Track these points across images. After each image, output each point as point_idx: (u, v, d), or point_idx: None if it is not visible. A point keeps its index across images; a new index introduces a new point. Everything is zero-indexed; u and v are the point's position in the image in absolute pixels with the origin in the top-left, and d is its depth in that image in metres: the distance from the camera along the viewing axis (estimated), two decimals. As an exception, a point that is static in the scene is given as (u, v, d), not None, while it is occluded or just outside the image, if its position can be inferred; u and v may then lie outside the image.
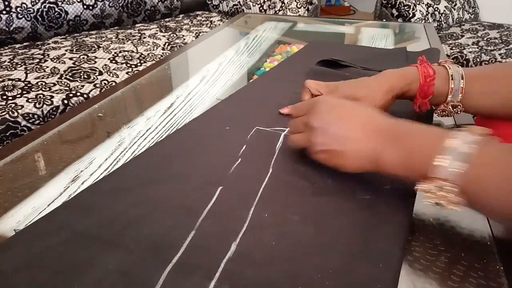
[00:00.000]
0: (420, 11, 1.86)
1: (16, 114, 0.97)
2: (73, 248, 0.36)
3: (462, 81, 0.52)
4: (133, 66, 1.28)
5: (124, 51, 1.35)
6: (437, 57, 0.84)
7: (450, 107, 0.54)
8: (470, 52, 1.65)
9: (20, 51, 1.30)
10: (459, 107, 0.54)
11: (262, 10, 1.92)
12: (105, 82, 1.16)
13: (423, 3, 1.90)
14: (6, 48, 1.35)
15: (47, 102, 1.03)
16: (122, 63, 1.28)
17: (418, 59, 0.56)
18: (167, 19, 1.84)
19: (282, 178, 0.46)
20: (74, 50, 1.32)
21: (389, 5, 1.90)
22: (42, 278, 0.33)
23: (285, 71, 0.80)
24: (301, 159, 0.50)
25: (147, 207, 0.41)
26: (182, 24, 1.73)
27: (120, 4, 1.65)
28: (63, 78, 1.14)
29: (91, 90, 1.11)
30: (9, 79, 1.09)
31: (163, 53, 1.39)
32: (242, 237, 0.37)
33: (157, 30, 1.60)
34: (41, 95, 1.04)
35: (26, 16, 1.39)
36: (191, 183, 0.45)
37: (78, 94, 1.08)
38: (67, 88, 1.09)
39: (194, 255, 0.35)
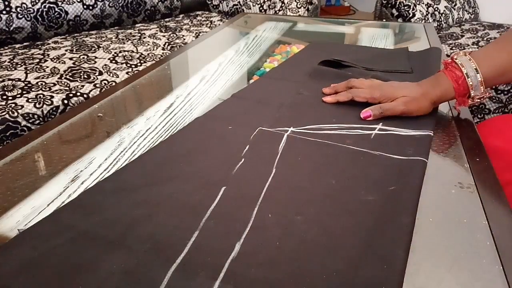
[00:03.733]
0: (420, 11, 1.86)
1: (16, 114, 0.97)
2: (77, 248, 0.35)
3: (479, 75, 0.56)
4: (133, 66, 1.27)
5: (124, 51, 1.35)
6: (438, 56, 0.84)
7: (478, 99, 0.59)
8: (470, 52, 1.65)
9: (20, 51, 1.30)
10: (486, 94, 0.58)
11: (262, 10, 1.92)
12: (105, 82, 1.16)
13: (423, 3, 1.89)
14: (6, 48, 1.35)
15: (47, 102, 1.03)
16: (122, 63, 1.28)
17: (442, 63, 0.61)
18: (167, 19, 1.83)
19: (286, 178, 0.46)
20: (74, 50, 1.31)
21: (389, 5, 1.90)
22: (46, 277, 0.33)
23: (287, 71, 0.80)
24: (304, 159, 0.49)
25: (150, 207, 0.41)
26: (182, 24, 1.73)
27: (120, 4, 1.64)
28: (63, 78, 1.13)
29: (91, 90, 1.11)
30: (9, 79, 1.09)
31: (163, 53, 1.39)
32: (246, 237, 0.37)
33: (157, 30, 1.60)
34: (41, 95, 1.04)
35: (26, 16, 1.39)
36: (195, 183, 0.45)
37: (78, 94, 1.08)
38: (67, 88, 1.09)
39: (198, 255, 0.35)
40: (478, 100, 0.58)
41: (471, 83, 0.57)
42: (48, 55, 1.26)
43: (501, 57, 0.57)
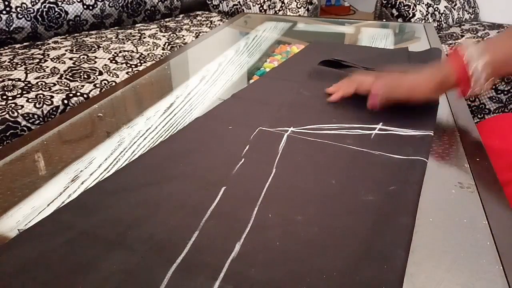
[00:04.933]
0: (420, 11, 1.86)
1: (16, 114, 0.97)
2: (77, 248, 0.36)
3: (481, 61, 0.54)
4: (133, 66, 1.27)
5: (124, 51, 1.35)
6: (438, 57, 0.84)
7: (479, 88, 0.56)
8: (470, 52, 1.65)
9: (20, 51, 1.30)
10: (489, 86, 0.57)
11: (262, 10, 1.92)
12: (105, 82, 1.16)
13: (423, 3, 1.89)
14: (6, 48, 1.35)
15: (47, 102, 1.03)
16: (122, 63, 1.27)
17: (449, 49, 0.61)
18: (167, 19, 1.83)
19: (286, 178, 0.46)
20: (74, 50, 1.31)
21: (389, 5, 1.90)
22: (46, 277, 0.33)
23: (287, 71, 0.80)
24: (304, 159, 0.49)
25: (150, 207, 0.41)
26: (182, 24, 1.73)
27: (120, 4, 1.64)
28: (63, 78, 1.13)
29: (91, 90, 1.11)
30: (9, 79, 1.09)
31: (163, 53, 1.39)
32: (246, 237, 0.37)
33: (157, 30, 1.60)
34: (41, 95, 1.04)
35: (26, 16, 1.39)
36: (195, 183, 0.45)
37: (78, 94, 1.08)
38: (67, 88, 1.09)
39: (198, 255, 0.35)
40: (480, 89, 0.56)
41: (472, 69, 0.54)
42: (48, 55, 1.26)
43: (508, 46, 0.55)
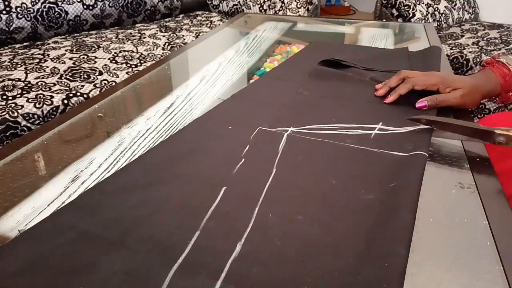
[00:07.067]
0: (420, 11, 1.86)
1: (16, 114, 0.97)
2: (78, 248, 0.36)
3: None
4: (133, 66, 1.27)
5: (124, 51, 1.35)
6: (438, 56, 0.84)
7: None
8: (470, 52, 1.65)
9: (20, 51, 1.30)
10: None
11: (262, 10, 1.92)
12: (105, 82, 1.16)
13: (423, 3, 1.89)
14: (6, 48, 1.35)
15: (47, 102, 1.03)
16: (122, 63, 1.27)
17: (484, 62, 0.67)
18: (167, 19, 1.83)
19: (286, 178, 0.46)
20: (74, 50, 1.31)
21: (389, 5, 1.90)
22: (47, 278, 0.33)
23: (287, 71, 0.80)
24: (304, 159, 0.49)
25: (151, 207, 0.41)
26: (182, 24, 1.73)
27: (120, 4, 1.64)
28: (63, 78, 1.13)
29: (91, 90, 1.11)
30: (9, 79, 1.09)
31: (163, 53, 1.39)
32: (247, 237, 0.37)
33: (157, 30, 1.60)
34: (41, 95, 1.04)
35: (26, 16, 1.39)
36: (195, 183, 0.45)
37: (78, 94, 1.08)
38: (67, 88, 1.09)
39: (200, 255, 0.35)
40: None
41: None
42: (48, 55, 1.26)
43: None
